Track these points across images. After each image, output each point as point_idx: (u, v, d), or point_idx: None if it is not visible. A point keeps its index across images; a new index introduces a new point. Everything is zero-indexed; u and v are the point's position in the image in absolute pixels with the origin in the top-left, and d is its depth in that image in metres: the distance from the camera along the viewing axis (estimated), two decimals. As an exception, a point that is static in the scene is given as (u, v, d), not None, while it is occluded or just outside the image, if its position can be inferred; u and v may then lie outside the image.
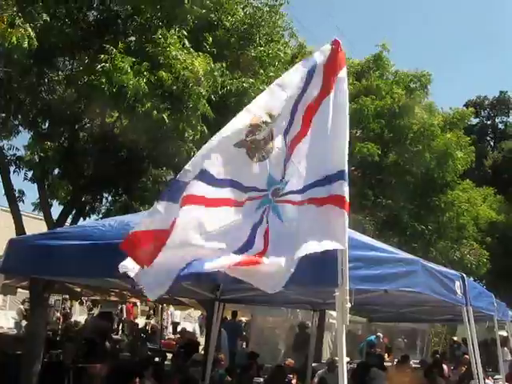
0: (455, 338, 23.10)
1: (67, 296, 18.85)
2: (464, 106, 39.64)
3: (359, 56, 18.92)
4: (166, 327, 22.73)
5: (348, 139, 3.52)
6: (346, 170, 3.45)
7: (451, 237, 17.57)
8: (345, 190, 3.36)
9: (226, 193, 3.31)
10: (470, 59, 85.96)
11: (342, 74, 3.63)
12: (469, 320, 6.59)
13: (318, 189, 3.42)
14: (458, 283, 6.12)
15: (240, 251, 3.22)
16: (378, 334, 21.34)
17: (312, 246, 3.16)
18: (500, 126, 45.58)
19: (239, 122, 3.37)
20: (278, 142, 3.48)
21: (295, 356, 14.45)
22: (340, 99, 3.59)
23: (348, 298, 3.29)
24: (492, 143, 45.13)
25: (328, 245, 3.21)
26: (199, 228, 3.16)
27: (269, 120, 3.39)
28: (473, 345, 6.75)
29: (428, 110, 16.75)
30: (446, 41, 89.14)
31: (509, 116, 45.23)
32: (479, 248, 19.81)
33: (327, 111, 3.55)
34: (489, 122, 45.49)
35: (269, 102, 3.47)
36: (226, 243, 3.20)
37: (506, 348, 13.28)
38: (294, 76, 3.63)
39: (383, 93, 15.15)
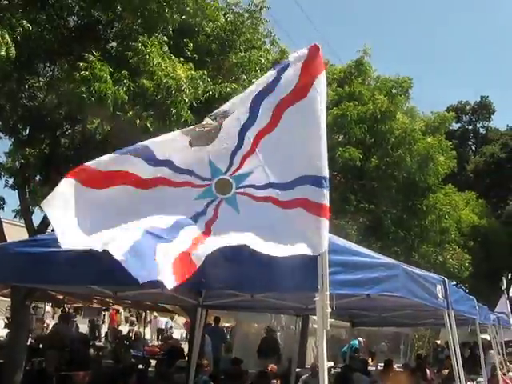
0: (438, 342, 23.24)
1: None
2: (445, 111, 39.94)
3: (342, 61, 19.06)
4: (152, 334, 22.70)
5: (326, 144, 3.50)
6: (327, 177, 3.44)
7: (434, 241, 17.69)
8: (323, 197, 3.35)
9: (159, 171, 3.47)
10: (452, 64, 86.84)
11: (321, 77, 3.63)
12: (450, 324, 6.61)
13: (280, 192, 3.42)
14: (439, 287, 6.14)
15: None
16: (359, 338, 21.44)
17: (283, 250, 3.17)
18: (481, 130, 46.00)
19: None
20: (229, 133, 3.51)
21: (262, 361, 14.30)
22: (318, 102, 3.58)
23: (328, 302, 3.30)
24: (474, 148, 45.52)
25: (302, 250, 3.22)
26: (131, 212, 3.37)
27: (218, 115, 3.47)
28: (454, 348, 6.77)
29: (409, 114, 16.89)
30: (427, 45, 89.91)
31: (490, 121, 45.67)
32: (461, 252, 19.99)
33: (304, 113, 3.54)
34: (470, 127, 45.86)
35: (229, 102, 3.59)
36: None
37: (491, 351, 13.37)
38: (262, 77, 3.71)
39: (365, 99, 15.23)
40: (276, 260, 3.29)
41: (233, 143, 3.54)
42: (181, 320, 23.11)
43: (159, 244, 3.23)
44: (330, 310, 3.31)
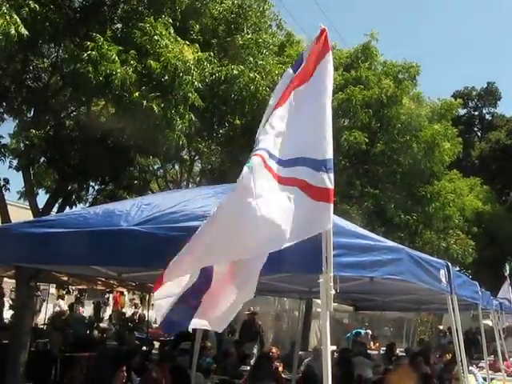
0: (441, 327, 23.32)
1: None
2: (451, 96, 39.70)
3: (348, 45, 18.94)
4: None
5: (331, 126, 3.47)
6: (331, 159, 3.41)
7: (437, 227, 17.67)
8: (326, 180, 3.31)
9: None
10: (458, 50, 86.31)
11: (327, 58, 3.60)
12: (453, 308, 6.63)
13: (286, 169, 3.30)
14: (442, 271, 6.13)
15: None
16: (368, 330, 21.56)
17: (286, 239, 3.13)
18: (487, 116, 45.83)
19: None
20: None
21: (241, 346, 14.23)
22: (324, 84, 3.55)
23: (332, 284, 3.30)
24: (479, 134, 45.37)
25: (300, 235, 3.18)
26: None
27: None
28: (457, 333, 6.77)
29: (416, 100, 16.78)
30: (434, 31, 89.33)
31: (496, 107, 45.48)
32: (465, 238, 19.96)
33: (310, 94, 3.50)
34: (476, 113, 45.70)
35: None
36: None
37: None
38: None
39: (371, 83, 15.15)
40: None
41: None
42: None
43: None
44: (333, 292, 3.31)
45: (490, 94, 45.14)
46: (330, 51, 3.63)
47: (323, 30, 3.70)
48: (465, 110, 43.28)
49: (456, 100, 20.06)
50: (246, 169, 3.12)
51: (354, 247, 3.92)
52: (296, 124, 3.45)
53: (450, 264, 6.49)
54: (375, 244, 4.26)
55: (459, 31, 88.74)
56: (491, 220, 29.00)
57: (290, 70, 3.61)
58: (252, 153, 3.21)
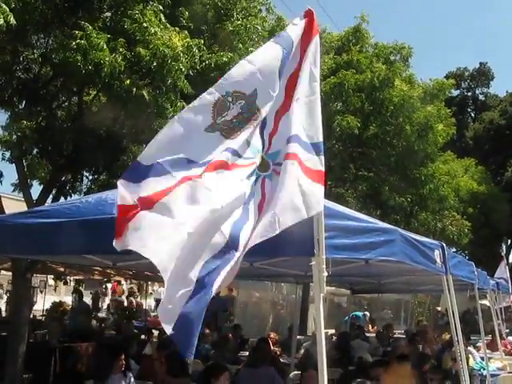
0: (439, 308, 23.45)
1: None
2: (444, 77, 39.69)
3: (339, 28, 18.90)
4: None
5: (320, 109, 3.47)
6: (321, 142, 3.41)
7: (433, 208, 17.73)
8: (318, 163, 3.32)
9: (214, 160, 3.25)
10: (451, 30, 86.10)
11: (315, 41, 3.59)
12: (449, 289, 6.65)
13: (290, 145, 3.36)
14: (437, 252, 6.15)
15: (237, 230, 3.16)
16: (366, 312, 21.67)
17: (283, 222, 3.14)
18: (480, 97, 45.92)
19: (198, 108, 3.28)
20: (262, 116, 3.43)
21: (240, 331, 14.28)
22: (314, 65, 3.55)
23: (324, 266, 3.32)
24: (473, 115, 45.44)
25: (297, 216, 3.18)
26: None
27: (240, 98, 3.32)
28: (453, 313, 6.81)
29: (408, 81, 16.78)
30: (426, 12, 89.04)
31: (489, 87, 45.56)
32: (460, 219, 20.06)
33: (304, 81, 3.52)
34: (469, 94, 45.75)
35: (236, 78, 3.38)
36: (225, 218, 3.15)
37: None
38: (266, 52, 3.54)
39: (363, 67, 15.13)
40: None
41: (259, 122, 3.45)
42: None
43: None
44: (326, 274, 3.33)
45: (483, 75, 45.17)
46: (318, 34, 3.62)
47: (310, 13, 3.68)
48: (458, 91, 43.30)
49: (449, 80, 20.07)
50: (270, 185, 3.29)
51: (346, 229, 3.94)
52: (296, 109, 3.47)
53: (444, 244, 6.51)
54: (368, 226, 4.28)
55: (450, 13, 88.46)
56: (486, 200, 29.09)
57: (279, 47, 3.50)
58: (272, 166, 3.32)
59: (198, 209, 3.08)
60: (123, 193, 3.11)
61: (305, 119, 3.50)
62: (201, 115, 3.25)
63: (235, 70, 3.44)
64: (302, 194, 3.21)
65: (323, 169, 3.36)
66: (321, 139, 3.40)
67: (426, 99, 16.95)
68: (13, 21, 7.28)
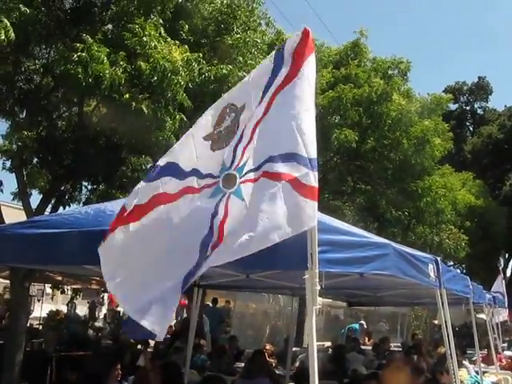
0: (435, 322, 23.44)
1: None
2: (443, 91, 39.85)
3: (338, 42, 19.02)
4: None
5: (315, 126, 3.53)
6: (315, 158, 3.45)
7: (430, 222, 17.79)
8: (312, 178, 3.37)
9: (188, 182, 3.51)
10: (449, 45, 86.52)
11: (310, 60, 3.66)
12: (442, 303, 6.65)
13: (271, 164, 3.41)
14: (431, 266, 6.17)
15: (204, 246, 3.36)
16: (361, 321, 21.64)
17: (273, 237, 3.25)
18: (479, 111, 45.96)
19: (209, 114, 3.56)
20: (240, 130, 3.57)
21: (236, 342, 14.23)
22: (306, 85, 3.62)
23: (317, 280, 3.39)
24: (471, 128, 45.55)
25: (285, 231, 3.28)
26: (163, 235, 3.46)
27: (233, 111, 3.49)
28: (446, 327, 6.83)
29: (406, 96, 16.90)
30: (425, 27, 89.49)
31: (487, 101, 45.64)
32: (457, 232, 20.08)
33: (292, 94, 3.57)
34: (468, 108, 45.83)
35: (235, 92, 3.58)
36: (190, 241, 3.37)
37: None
38: (259, 67, 3.72)
39: (361, 81, 15.26)
40: None
41: (235, 138, 3.56)
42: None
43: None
44: (319, 287, 3.39)
45: (482, 89, 45.27)
46: (314, 52, 3.70)
47: (306, 32, 3.78)
48: (456, 105, 43.43)
49: (447, 95, 20.20)
50: (237, 200, 3.35)
51: (340, 243, 4.00)
52: (279, 123, 3.53)
53: (438, 259, 6.55)
54: (361, 240, 4.34)
55: (449, 26, 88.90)
56: (484, 214, 29.08)
57: (271, 61, 3.66)
58: (236, 182, 3.41)
59: (171, 235, 3.45)
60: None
61: (299, 135, 3.56)
62: (204, 121, 3.56)
63: (238, 84, 3.69)
64: (290, 211, 3.29)
65: (316, 185, 3.40)
66: (314, 155, 3.44)
67: (424, 114, 17.07)
68: (13, 36, 7.40)
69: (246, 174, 3.47)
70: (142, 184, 3.64)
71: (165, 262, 3.47)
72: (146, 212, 3.53)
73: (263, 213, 3.29)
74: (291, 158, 3.39)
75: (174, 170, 3.52)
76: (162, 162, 3.58)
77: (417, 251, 6.24)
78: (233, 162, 3.51)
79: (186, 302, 17.81)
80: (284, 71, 3.62)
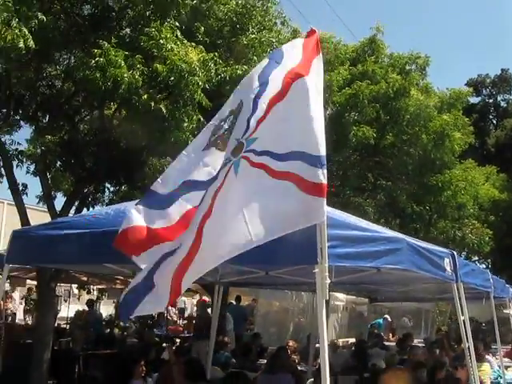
0: (462, 318, 23.20)
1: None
2: (465, 84, 39.60)
3: (356, 38, 19.01)
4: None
5: (323, 124, 3.62)
6: (324, 155, 3.55)
7: (452, 216, 17.71)
8: (320, 176, 3.46)
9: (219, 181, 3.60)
10: (471, 38, 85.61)
11: (317, 60, 3.77)
12: (460, 297, 6.65)
13: (273, 160, 3.53)
14: (447, 260, 6.18)
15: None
16: (386, 316, 21.62)
17: (276, 230, 3.38)
18: (502, 103, 45.55)
19: (204, 131, 3.94)
20: (246, 107, 3.70)
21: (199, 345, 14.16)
22: (316, 82, 3.72)
23: (327, 274, 3.50)
24: (494, 122, 45.11)
25: (291, 226, 3.41)
26: None
27: (231, 114, 3.67)
28: (464, 322, 6.80)
29: (425, 91, 16.87)
30: (445, 19, 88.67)
31: (511, 94, 45.15)
32: (481, 227, 19.91)
33: (302, 92, 3.66)
34: (491, 101, 45.42)
35: (230, 101, 3.81)
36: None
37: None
38: (257, 67, 3.89)
39: (378, 77, 15.28)
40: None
41: (248, 110, 3.66)
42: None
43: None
44: (328, 281, 3.51)
45: (505, 81, 44.84)
46: (320, 54, 3.81)
47: (313, 32, 3.89)
48: (479, 98, 43.13)
49: (470, 88, 20.07)
50: (232, 174, 3.47)
51: (350, 238, 4.11)
52: (290, 119, 3.64)
53: (455, 253, 6.55)
54: (373, 235, 4.43)
55: (470, 19, 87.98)
56: (508, 208, 28.73)
57: (273, 62, 3.81)
58: (241, 153, 3.50)
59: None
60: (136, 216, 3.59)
61: (309, 132, 3.64)
62: (201, 138, 3.80)
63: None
64: (303, 205, 3.41)
65: (325, 181, 3.49)
66: (323, 153, 3.53)
67: (443, 108, 17.02)
68: (32, 44, 7.61)
69: (249, 151, 3.57)
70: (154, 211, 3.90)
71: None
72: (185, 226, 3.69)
73: (261, 208, 3.42)
74: (297, 157, 3.49)
75: (191, 186, 3.76)
76: (166, 187, 3.88)
77: (432, 245, 6.29)
78: (246, 131, 3.60)
79: (207, 299, 18.04)
80: (294, 57, 3.74)
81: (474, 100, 40.58)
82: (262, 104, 3.64)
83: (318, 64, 3.80)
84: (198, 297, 21.78)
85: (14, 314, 18.35)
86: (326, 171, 3.53)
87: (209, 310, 14.81)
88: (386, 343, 15.65)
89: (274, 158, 3.50)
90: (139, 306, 3.66)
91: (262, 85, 3.71)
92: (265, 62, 3.91)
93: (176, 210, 3.80)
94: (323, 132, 3.60)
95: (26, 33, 7.35)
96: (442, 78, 55.38)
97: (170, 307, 21.10)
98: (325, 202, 3.49)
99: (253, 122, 3.60)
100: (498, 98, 45.61)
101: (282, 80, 3.68)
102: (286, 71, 3.70)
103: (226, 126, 3.70)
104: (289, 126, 3.64)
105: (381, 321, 20.83)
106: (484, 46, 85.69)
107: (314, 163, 3.49)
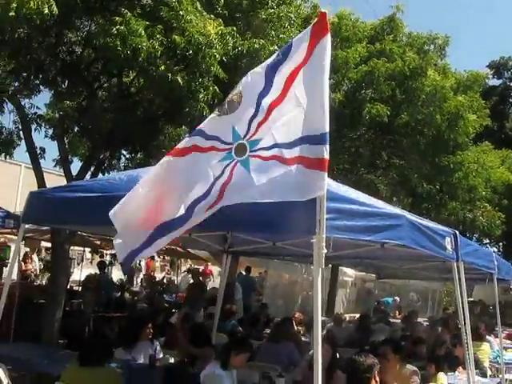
0: (471, 299, 23.37)
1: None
2: (487, 66, 39.14)
3: (377, 15, 18.86)
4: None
5: (328, 102, 3.80)
6: (327, 132, 3.74)
7: (463, 198, 17.75)
8: (321, 151, 3.68)
9: (193, 141, 4.06)
10: (494, 19, 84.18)
11: (325, 40, 3.93)
12: (459, 276, 6.65)
13: (284, 150, 3.81)
14: (448, 239, 6.20)
15: (196, 202, 3.86)
16: (396, 298, 21.88)
17: (279, 195, 3.62)
18: (524, 86, 44.83)
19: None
20: (248, 102, 3.93)
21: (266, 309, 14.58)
22: (322, 62, 3.89)
23: (324, 244, 3.71)
24: (515, 105, 44.53)
25: (295, 195, 3.63)
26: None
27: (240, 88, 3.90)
28: (462, 303, 6.76)
29: (442, 72, 16.82)
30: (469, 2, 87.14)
31: (533, 77, 44.46)
32: (492, 210, 19.91)
33: (307, 75, 3.87)
34: (512, 84, 44.79)
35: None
36: (188, 192, 3.91)
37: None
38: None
39: (395, 56, 15.26)
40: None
41: (251, 110, 3.95)
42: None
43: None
44: (325, 251, 3.72)
45: (527, 64, 44.10)
46: (329, 33, 3.96)
47: (323, 14, 4.04)
48: (500, 81, 42.55)
49: (489, 70, 19.92)
50: (243, 170, 3.78)
51: (349, 212, 4.27)
52: (294, 108, 3.88)
53: (457, 232, 6.57)
54: (372, 210, 4.58)
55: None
56: (523, 193, 28.54)
57: (280, 56, 4.00)
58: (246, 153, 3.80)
59: (169, 185, 4.06)
60: None
61: (313, 112, 3.84)
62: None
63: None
64: (299, 183, 3.65)
65: (327, 157, 3.70)
66: (326, 129, 3.73)
67: (460, 90, 16.99)
68: (56, 10, 7.77)
69: (258, 150, 3.84)
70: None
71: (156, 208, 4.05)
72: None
73: (270, 182, 3.66)
74: (303, 141, 3.75)
75: (198, 132, 4.12)
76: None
77: (434, 223, 6.40)
78: (247, 133, 3.88)
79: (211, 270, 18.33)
80: (300, 54, 3.92)
81: (494, 82, 40.15)
82: (263, 106, 3.94)
83: (325, 46, 3.95)
84: (209, 266, 22.08)
85: (35, 275, 18.74)
86: (328, 147, 3.72)
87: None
88: (392, 320, 15.91)
89: (284, 147, 3.76)
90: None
91: (267, 85, 3.98)
92: (273, 56, 4.13)
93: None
94: (327, 111, 3.78)
95: (51, -1, 7.51)
96: (463, 59, 54.81)
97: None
98: (325, 175, 3.69)
99: (253, 125, 3.93)
100: (520, 81, 44.95)
101: (283, 84, 3.96)
102: (290, 72, 3.96)
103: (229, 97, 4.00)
104: (291, 115, 3.92)
105: (390, 300, 21.09)
106: (508, 28, 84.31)
107: (317, 141, 3.71)
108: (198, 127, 4.12)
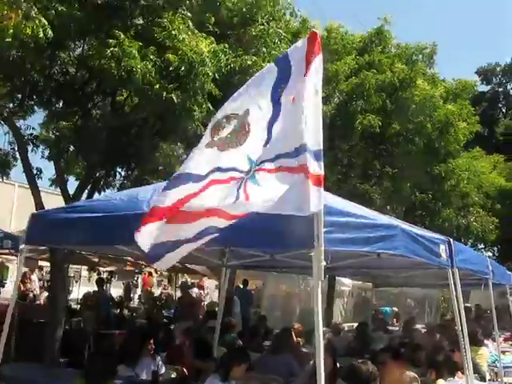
0: (468, 305, 23.42)
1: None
2: (475, 73, 39.55)
3: (364, 27, 19.05)
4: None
5: (321, 120, 3.93)
6: (321, 149, 3.87)
7: (456, 205, 17.93)
8: (319, 168, 3.78)
9: (214, 176, 3.87)
10: (481, 26, 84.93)
11: (317, 60, 4.06)
12: (455, 283, 6.73)
13: (288, 160, 3.84)
14: (442, 246, 6.30)
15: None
16: (395, 308, 21.95)
17: (277, 209, 3.72)
18: (512, 92, 45.39)
19: (208, 128, 4.03)
20: (261, 128, 4.00)
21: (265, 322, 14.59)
22: (315, 82, 4.01)
23: (323, 257, 3.83)
24: (504, 110, 45.02)
25: (293, 210, 3.74)
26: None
27: (235, 118, 3.95)
28: (459, 309, 6.88)
29: (431, 80, 17.04)
30: (454, 8, 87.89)
31: (521, 82, 45.01)
32: (485, 215, 20.09)
33: (302, 93, 3.98)
34: (500, 89, 45.29)
35: (234, 103, 4.02)
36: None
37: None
38: (262, 73, 4.17)
39: (384, 67, 15.47)
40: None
41: (264, 137, 3.98)
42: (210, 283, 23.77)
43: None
44: (324, 263, 3.84)
45: (515, 70, 44.64)
46: (320, 55, 4.10)
47: (314, 34, 4.18)
48: (489, 87, 43.03)
49: (477, 78, 20.21)
50: (253, 186, 3.79)
51: (345, 225, 4.42)
52: (291, 120, 3.97)
53: (451, 240, 6.67)
54: (367, 222, 4.73)
55: (479, 8, 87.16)
56: (514, 197, 28.77)
57: (275, 68, 4.10)
58: (251, 171, 3.85)
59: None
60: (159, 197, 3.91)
61: (309, 129, 3.97)
62: (205, 135, 3.99)
63: (235, 94, 4.07)
64: (301, 197, 3.75)
65: (322, 173, 3.83)
66: (319, 147, 3.87)
67: (449, 98, 17.21)
68: (51, 33, 7.91)
69: (261, 163, 3.92)
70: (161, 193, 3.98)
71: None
72: (178, 208, 3.86)
73: (277, 194, 3.75)
74: (303, 149, 3.82)
75: (189, 178, 3.87)
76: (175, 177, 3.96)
77: (428, 232, 6.53)
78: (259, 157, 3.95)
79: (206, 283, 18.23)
80: (294, 75, 4.05)
81: (483, 88, 40.56)
82: (267, 129, 3.99)
83: (318, 63, 4.09)
84: (205, 280, 22.14)
85: (34, 295, 18.76)
86: (322, 163, 3.86)
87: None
88: (390, 328, 15.98)
89: (287, 157, 3.85)
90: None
91: (275, 110, 4.02)
92: (272, 71, 4.12)
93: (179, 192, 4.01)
94: (321, 128, 3.92)
95: (46, 23, 7.64)
96: (451, 66, 55.29)
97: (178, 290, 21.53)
98: (322, 191, 3.82)
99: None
100: (508, 87, 45.56)
101: (285, 104, 4.02)
102: (291, 96, 4.01)
103: (228, 128, 3.97)
104: (288, 127, 3.99)
105: (388, 309, 21.15)
106: (494, 35, 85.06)
107: (315, 157, 3.84)
108: (207, 171, 3.91)
